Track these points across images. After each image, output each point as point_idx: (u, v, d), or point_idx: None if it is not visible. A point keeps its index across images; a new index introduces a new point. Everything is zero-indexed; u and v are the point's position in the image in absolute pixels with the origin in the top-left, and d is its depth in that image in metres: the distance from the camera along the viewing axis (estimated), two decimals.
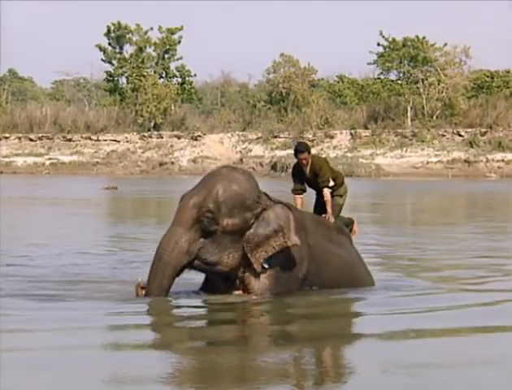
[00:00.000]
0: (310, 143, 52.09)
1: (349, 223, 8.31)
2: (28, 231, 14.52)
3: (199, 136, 54.76)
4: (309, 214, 7.74)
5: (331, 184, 8.12)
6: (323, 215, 8.01)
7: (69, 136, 55.37)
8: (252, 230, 6.94)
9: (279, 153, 51.99)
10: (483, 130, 51.11)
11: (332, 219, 7.93)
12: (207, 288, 7.26)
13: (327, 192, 8.08)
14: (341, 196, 8.26)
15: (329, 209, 8.02)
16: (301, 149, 8.18)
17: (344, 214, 8.59)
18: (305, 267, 7.21)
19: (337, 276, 7.45)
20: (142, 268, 9.46)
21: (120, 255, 10.97)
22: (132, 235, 13.75)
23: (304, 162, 8.12)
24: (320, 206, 8.20)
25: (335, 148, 52.14)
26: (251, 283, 7.05)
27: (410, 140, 51.79)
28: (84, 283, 8.24)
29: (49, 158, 53.57)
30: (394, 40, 56.27)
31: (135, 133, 55.19)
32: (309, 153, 8.13)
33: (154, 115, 55.30)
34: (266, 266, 6.99)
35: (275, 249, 6.96)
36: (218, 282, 7.13)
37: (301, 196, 8.22)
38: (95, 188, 31.12)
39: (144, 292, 7.04)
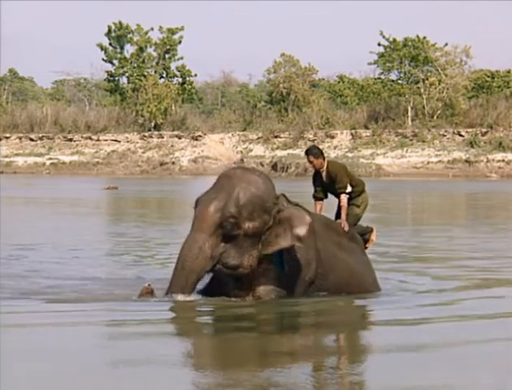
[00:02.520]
0: (310, 143, 52.15)
1: (367, 232, 8.19)
2: (27, 231, 14.51)
3: (199, 136, 54.79)
4: (320, 218, 7.65)
5: (349, 189, 8.03)
6: (338, 221, 7.96)
7: (69, 136, 55.42)
8: (269, 231, 6.95)
9: (280, 153, 52.03)
10: (484, 130, 51.12)
11: (346, 226, 7.81)
12: (214, 288, 7.17)
13: (343, 197, 7.98)
14: (358, 206, 8.07)
15: (343, 215, 7.93)
16: (306, 151, 8.14)
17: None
18: (313, 270, 7.20)
19: (342, 282, 7.42)
20: (141, 268, 9.50)
21: (120, 255, 10.97)
22: (131, 235, 13.75)
23: (311, 165, 8.06)
24: (339, 213, 8.12)
25: (335, 148, 52.16)
26: (258, 283, 7.04)
27: (411, 140, 51.81)
28: (83, 284, 8.24)
29: (50, 158, 53.62)
30: (395, 40, 56.27)
31: (135, 133, 55.21)
32: (315, 157, 8.00)
33: (154, 115, 55.31)
34: (286, 267, 7.02)
35: (281, 245, 6.93)
36: (227, 282, 7.08)
37: (320, 202, 8.12)
38: (95, 188, 31.14)
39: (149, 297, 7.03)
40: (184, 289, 6.86)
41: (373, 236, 8.23)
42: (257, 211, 6.90)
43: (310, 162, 8.07)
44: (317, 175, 8.15)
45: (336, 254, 7.41)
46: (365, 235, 8.14)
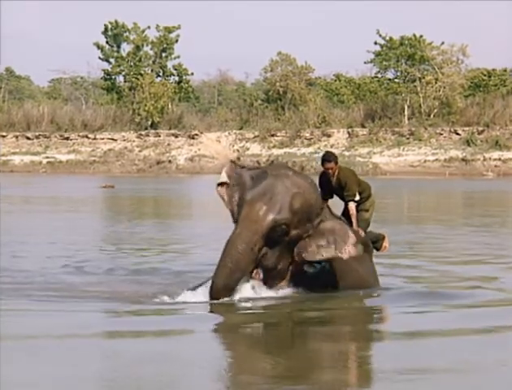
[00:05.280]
0: (307, 141, 52.26)
1: (379, 239, 8.23)
2: (25, 230, 14.50)
3: (196, 134, 54.77)
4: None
5: (357, 198, 8.06)
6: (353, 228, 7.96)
7: (66, 135, 55.37)
8: (307, 239, 7.00)
9: (277, 151, 52.05)
10: (481, 128, 51.14)
11: (362, 233, 7.84)
12: None
13: (352, 205, 8.02)
14: (367, 210, 8.13)
15: (354, 223, 7.97)
16: (327, 158, 8.11)
17: None
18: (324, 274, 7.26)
19: (351, 289, 7.48)
20: (139, 266, 9.51)
21: (118, 254, 10.98)
22: (129, 234, 13.74)
23: (330, 171, 8.05)
24: (346, 217, 8.12)
25: (332, 146, 52.11)
26: (272, 278, 7.05)
27: (407, 138, 51.83)
28: (82, 283, 8.24)
29: (47, 157, 53.56)
30: (391, 38, 56.31)
31: (132, 132, 55.18)
32: (336, 163, 8.07)
33: (151, 114, 55.29)
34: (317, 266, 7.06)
35: (323, 256, 7.03)
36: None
37: (325, 201, 8.13)
38: (92, 187, 31.11)
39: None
40: (228, 285, 6.83)
41: (386, 243, 8.27)
42: (304, 219, 6.96)
43: (330, 168, 8.02)
44: (324, 179, 8.10)
45: (348, 261, 7.41)
46: (377, 242, 8.17)
